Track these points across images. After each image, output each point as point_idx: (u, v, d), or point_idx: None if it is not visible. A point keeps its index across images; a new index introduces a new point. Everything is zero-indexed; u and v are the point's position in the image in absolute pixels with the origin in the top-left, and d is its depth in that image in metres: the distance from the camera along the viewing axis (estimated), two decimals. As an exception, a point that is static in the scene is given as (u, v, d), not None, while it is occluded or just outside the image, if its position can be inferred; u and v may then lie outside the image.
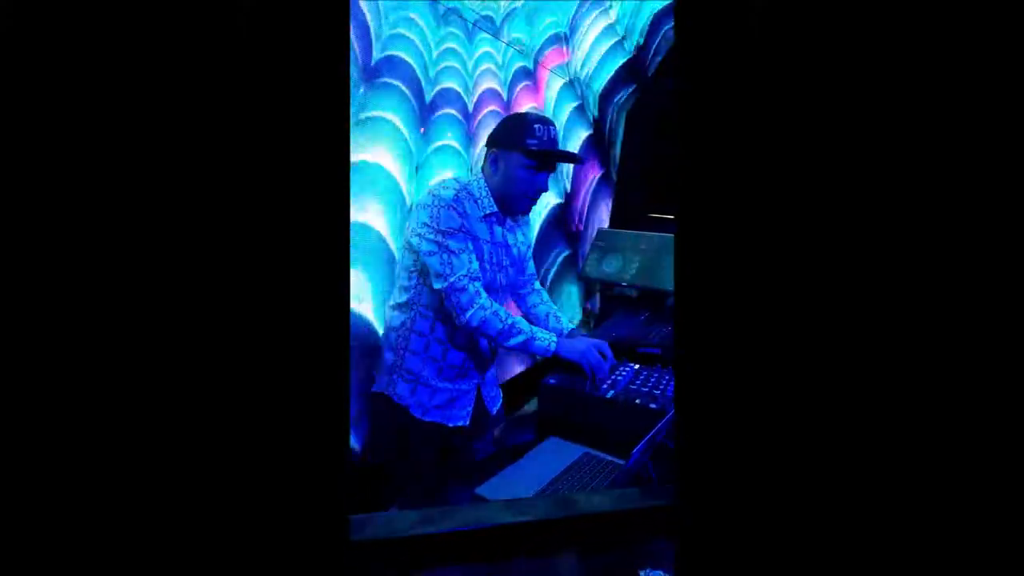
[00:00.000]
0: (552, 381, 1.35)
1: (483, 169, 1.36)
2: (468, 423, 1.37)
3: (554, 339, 1.30)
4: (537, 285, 1.62)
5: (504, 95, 2.41)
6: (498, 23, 2.31)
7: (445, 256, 1.23)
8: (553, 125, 1.34)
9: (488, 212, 1.33)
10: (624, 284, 2.42)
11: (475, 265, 1.26)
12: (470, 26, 2.15)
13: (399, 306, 1.35)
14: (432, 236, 1.23)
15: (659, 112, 3.46)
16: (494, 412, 1.46)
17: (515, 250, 1.44)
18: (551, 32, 2.66)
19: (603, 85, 3.24)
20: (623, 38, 3.12)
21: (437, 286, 1.24)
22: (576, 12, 2.74)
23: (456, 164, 2.10)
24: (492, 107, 2.36)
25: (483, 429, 1.40)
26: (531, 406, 1.44)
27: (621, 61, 3.20)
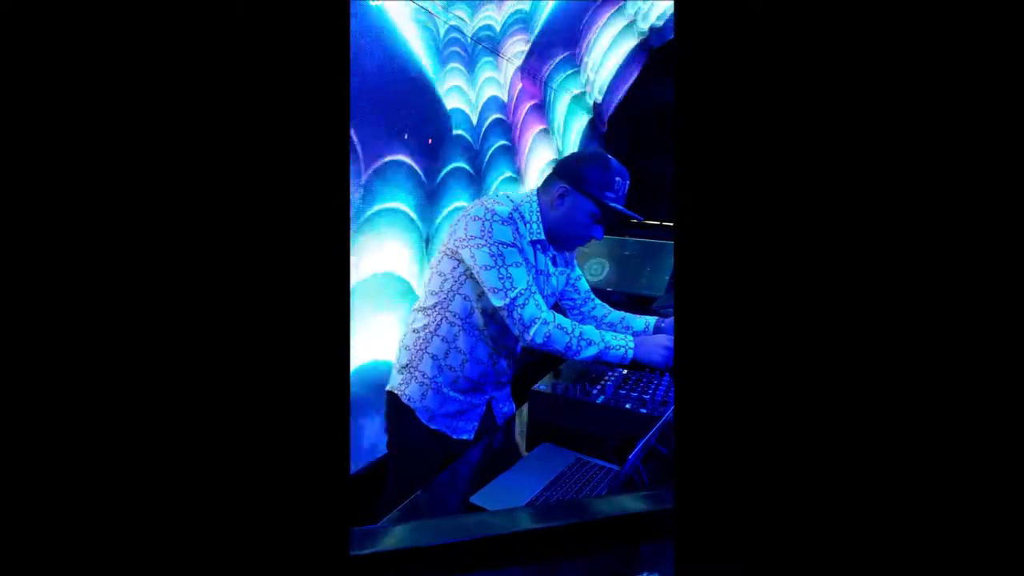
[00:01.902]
0: (542, 387, 1.35)
1: (540, 194, 1.29)
2: (472, 437, 1.34)
3: (631, 344, 1.23)
4: (597, 300, 1.55)
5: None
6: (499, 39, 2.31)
7: (504, 270, 1.16)
8: (629, 178, 1.29)
9: (537, 238, 1.27)
10: (608, 290, 2.43)
11: (532, 281, 1.20)
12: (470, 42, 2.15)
13: (425, 309, 1.30)
14: (489, 249, 1.17)
15: (639, 120, 3.50)
16: (501, 423, 1.42)
17: (554, 279, 1.38)
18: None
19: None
20: (585, 91, 3.12)
21: (498, 302, 1.17)
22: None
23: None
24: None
25: (488, 433, 1.38)
26: (522, 411, 1.43)
27: (584, 116, 3.18)
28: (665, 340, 1.28)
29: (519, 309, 1.16)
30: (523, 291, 1.17)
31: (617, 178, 1.24)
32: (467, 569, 0.60)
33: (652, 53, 3.28)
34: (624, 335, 1.26)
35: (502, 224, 1.18)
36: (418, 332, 1.31)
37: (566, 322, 1.20)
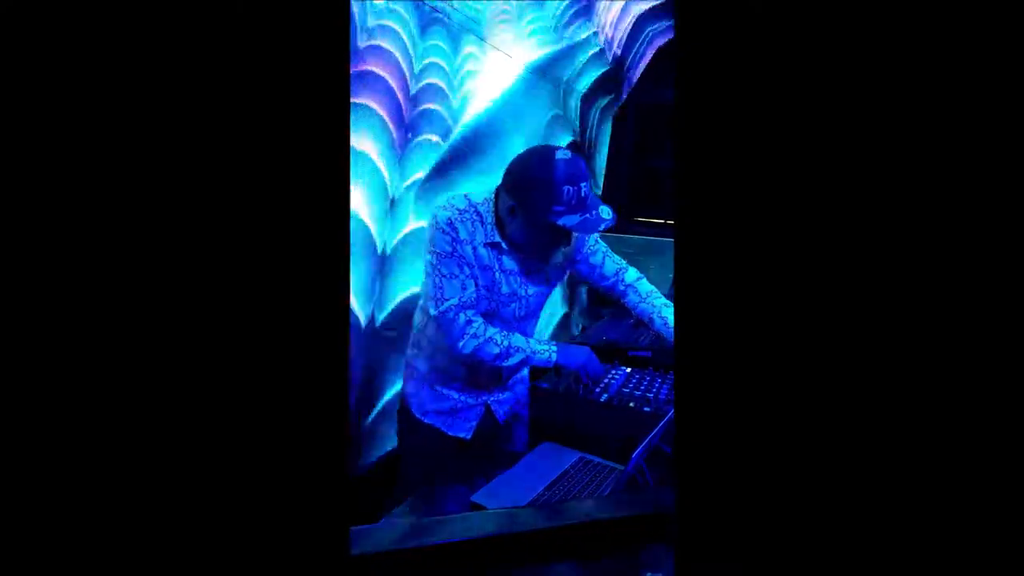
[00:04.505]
0: (545, 385, 1.35)
1: (497, 197, 1.17)
2: (469, 437, 1.33)
3: (554, 350, 1.22)
4: (630, 278, 1.38)
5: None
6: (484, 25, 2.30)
7: (437, 280, 1.15)
8: (586, 181, 1.11)
9: (491, 240, 1.17)
10: (612, 287, 2.42)
11: (469, 292, 1.16)
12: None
13: (421, 308, 1.33)
14: (429, 258, 1.17)
15: (644, 118, 3.48)
16: (502, 421, 1.39)
17: (545, 276, 1.28)
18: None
19: (585, 89, 3.20)
20: (603, 48, 3.10)
21: (431, 311, 1.18)
22: (560, 17, 2.72)
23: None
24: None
25: (493, 440, 1.37)
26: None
27: (602, 69, 3.18)
28: (583, 353, 1.25)
29: (447, 324, 1.16)
30: (452, 306, 1.15)
31: (566, 187, 1.08)
32: (468, 569, 0.60)
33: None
34: (549, 342, 1.24)
35: (439, 232, 1.14)
36: (414, 330, 1.35)
37: (498, 334, 1.18)
